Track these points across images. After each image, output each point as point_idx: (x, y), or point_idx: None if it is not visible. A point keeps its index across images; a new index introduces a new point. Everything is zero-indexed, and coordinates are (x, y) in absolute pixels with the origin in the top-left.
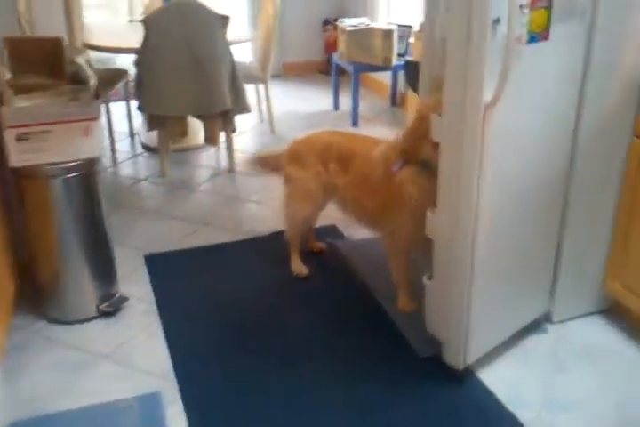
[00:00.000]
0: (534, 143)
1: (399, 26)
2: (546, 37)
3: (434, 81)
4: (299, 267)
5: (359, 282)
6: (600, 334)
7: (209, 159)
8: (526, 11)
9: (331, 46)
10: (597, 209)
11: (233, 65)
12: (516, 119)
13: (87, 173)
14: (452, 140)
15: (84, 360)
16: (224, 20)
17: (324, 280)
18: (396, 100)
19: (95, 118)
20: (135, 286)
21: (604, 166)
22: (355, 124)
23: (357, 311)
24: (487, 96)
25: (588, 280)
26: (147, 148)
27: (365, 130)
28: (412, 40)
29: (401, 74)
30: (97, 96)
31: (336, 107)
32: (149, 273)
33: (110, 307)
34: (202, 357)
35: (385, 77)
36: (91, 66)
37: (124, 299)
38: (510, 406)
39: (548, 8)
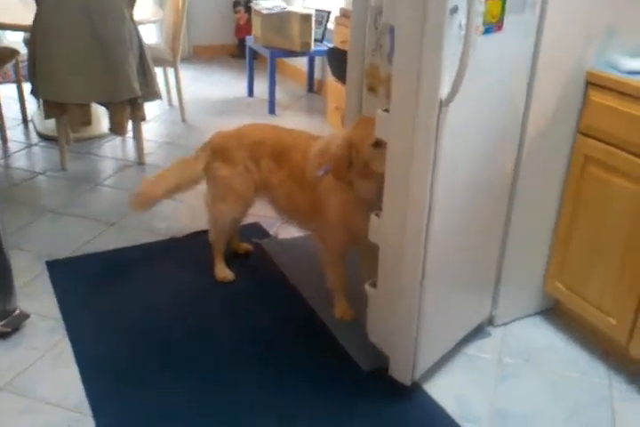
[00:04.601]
0: (484, 140)
1: (317, 10)
2: (500, 28)
3: (365, 70)
4: (223, 271)
5: (290, 287)
6: (543, 336)
7: (114, 150)
8: (482, 0)
9: (242, 29)
10: (540, 209)
11: (141, 47)
12: (468, 114)
13: None
14: (402, 138)
15: None
16: None
17: (251, 286)
18: (313, 87)
19: None
20: (36, 299)
21: (549, 164)
22: (272, 111)
23: (290, 321)
24: (442, 90)
25: (530, 281)
26: (43, 137)
27: (283, 118)
28: (330, 26)
29: (319, 60)
30: None
31: (250, 93)
32: (53, 283)
33: (7, 326)
34: (118, 380)
35: (301, 63)
36: None
37: (24, 316)
38: (460, 421)
39: None
